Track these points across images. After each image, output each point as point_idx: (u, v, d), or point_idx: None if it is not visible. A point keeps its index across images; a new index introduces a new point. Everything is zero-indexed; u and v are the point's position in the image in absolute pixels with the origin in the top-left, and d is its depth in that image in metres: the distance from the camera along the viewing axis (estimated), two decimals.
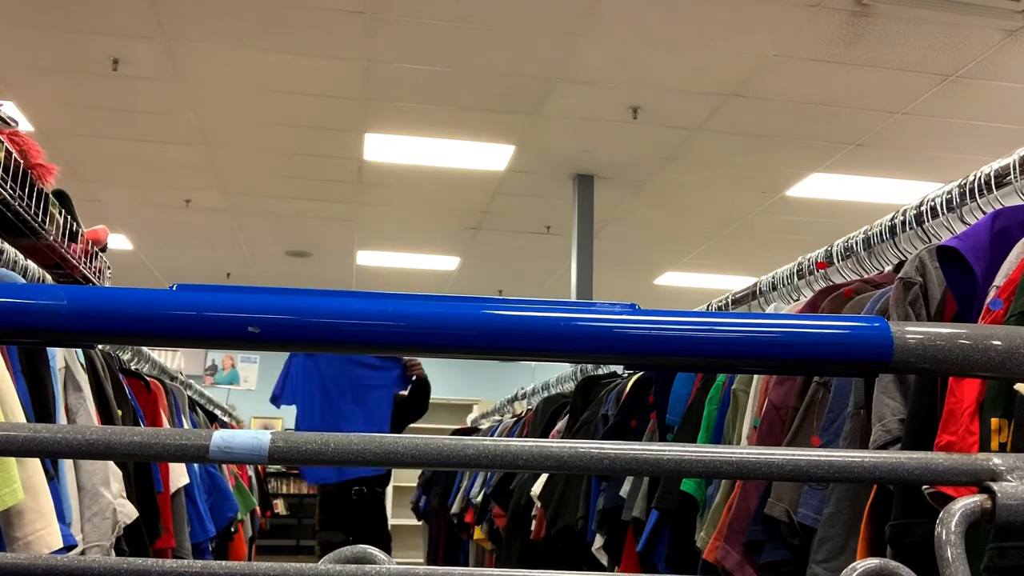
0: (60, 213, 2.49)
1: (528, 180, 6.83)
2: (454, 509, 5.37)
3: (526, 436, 4.18)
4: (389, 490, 5.03)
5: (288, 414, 4.72)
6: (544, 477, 3.27)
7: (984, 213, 1.57)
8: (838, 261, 2.15)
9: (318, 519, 4.62)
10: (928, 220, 1.80)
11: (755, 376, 2.01)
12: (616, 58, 5.01)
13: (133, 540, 2.31)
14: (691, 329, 0.38)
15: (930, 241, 1.78)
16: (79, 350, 2.08)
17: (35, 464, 1.63)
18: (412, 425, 4.69)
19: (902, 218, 1.88)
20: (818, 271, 2.25)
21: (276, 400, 4.37)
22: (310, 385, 4.29)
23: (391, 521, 10.06)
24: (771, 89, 5.28)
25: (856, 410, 1.63)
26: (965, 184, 1.68)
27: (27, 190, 2.20)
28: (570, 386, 4.13)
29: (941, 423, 1.28)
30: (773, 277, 2.45)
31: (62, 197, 2.53)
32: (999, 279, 1.33)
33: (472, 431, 6.41)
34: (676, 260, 8.83)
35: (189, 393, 4.57)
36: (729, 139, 5.99)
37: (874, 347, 0.37)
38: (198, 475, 3.38)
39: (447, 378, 11.66)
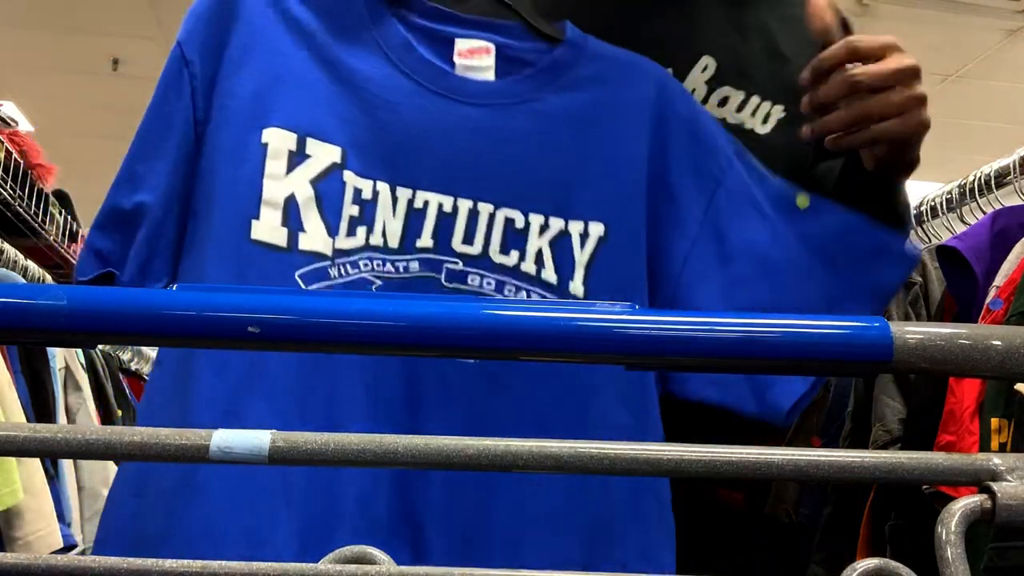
0: (60, 213, 2.49)
1: None
2: None
3: None
4: None
5: None
6: None
7: (984, 213, 1.57)
8: None
9: None
10: (928, 220, 1.80)
11: None
12: None
13: None
14: (691, 329, 0.38)
15: (930, 241, 1.78)
16: (79, 350, 2.08)
17: (35, 464, 1.63)
18: None
19: None
20: None
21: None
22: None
23: None
24: None
25: (856, 410, 1.63)
26: (965, 184, 1.68)
27: (27, 190, 2.20)
28: None
29: (941, 423, 1.28)
30: None
31: (62, 197, 2.53)
32: (999, 279, 1.33)
33: None
34: None
35: None
36: None
37: (874, 347, 0.37)
38: None
39: None
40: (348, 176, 0.78)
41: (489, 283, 0.78)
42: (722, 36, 0.93)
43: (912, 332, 0.37)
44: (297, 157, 0.77)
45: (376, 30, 0.82)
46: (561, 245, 0.79)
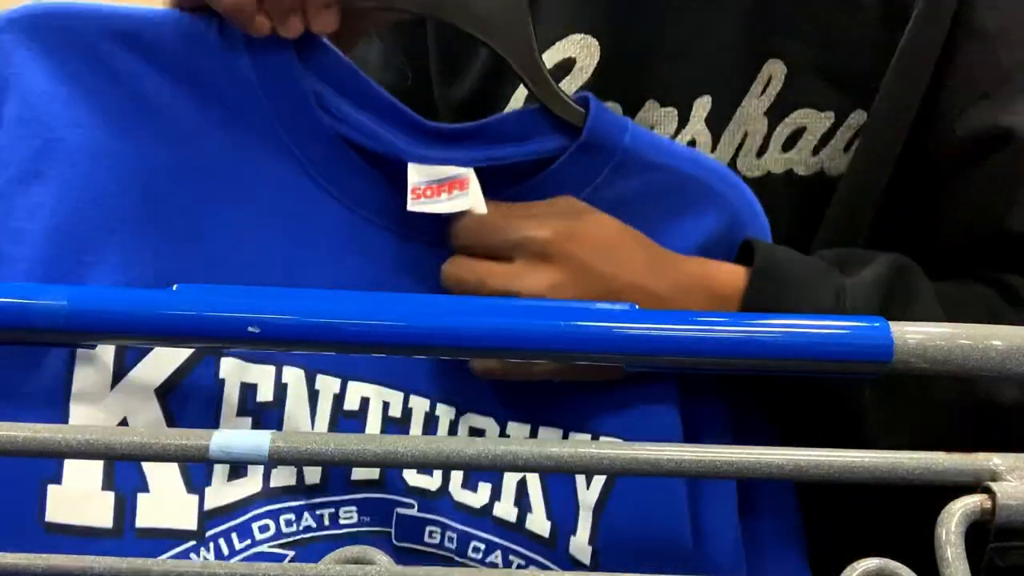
0: None
1: None
2: None
3: None
4: None
5: None
6: None
7: None
8: None
9: None
10: None
11: None
12: None
13: None
14: (691, 329, 0.38)
15: None
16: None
17: None
18: None
19: None
20: None
21: None
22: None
23: None
24: None
25: None
26: None
27: None
28: None
29: None
30: None
31: None
32: None
33: None
34: None
35: None
36: None
37: (874, 347, 0.37)
38: None
39: None
40: (228, 366, 0.46)
41: (451, 538, 0.48)
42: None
43: (912, 332, 0.37)
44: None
45: (279, 119, 0.48)
46: (557, 476, 0.49)
